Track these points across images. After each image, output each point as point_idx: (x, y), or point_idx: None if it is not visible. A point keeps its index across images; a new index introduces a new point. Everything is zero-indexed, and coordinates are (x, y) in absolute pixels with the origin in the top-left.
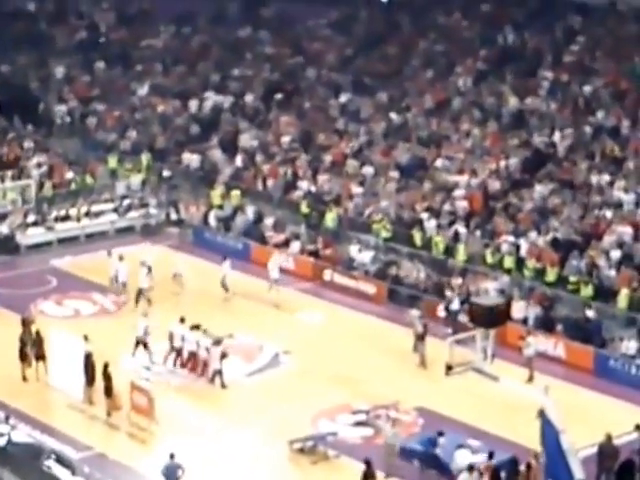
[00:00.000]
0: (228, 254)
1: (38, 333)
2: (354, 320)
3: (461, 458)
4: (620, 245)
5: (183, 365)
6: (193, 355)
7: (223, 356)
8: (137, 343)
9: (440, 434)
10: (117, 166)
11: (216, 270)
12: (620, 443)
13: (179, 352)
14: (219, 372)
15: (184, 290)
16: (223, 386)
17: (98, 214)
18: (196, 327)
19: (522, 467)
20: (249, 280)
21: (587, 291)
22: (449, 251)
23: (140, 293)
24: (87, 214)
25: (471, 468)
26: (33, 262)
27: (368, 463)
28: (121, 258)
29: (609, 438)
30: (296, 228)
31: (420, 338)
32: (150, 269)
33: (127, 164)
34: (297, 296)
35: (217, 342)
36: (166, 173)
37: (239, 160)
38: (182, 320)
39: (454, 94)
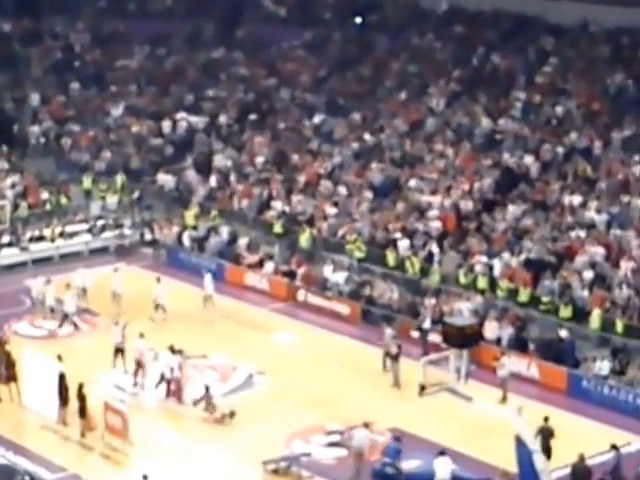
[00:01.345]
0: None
1: (9, 355)
2: (328, 340)
3: (441, 466)
4: (592, 265)
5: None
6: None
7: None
8: (116, 351)
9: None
10: (91, 186)
11: (190, 290)
12: (593, 463)
13: (169, 383)
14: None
15: (166, 316)
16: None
17: (72, 234)
18: (179, 351)
19: None
20: (223, 300)
21: (564, 311)
22: (423, 271)
23: (66, 317)
24: (61, 234)
25: None
26: (7, 282)
27: None
28: (48, 282)
29: (582, 459)
30: (270, 248)
31: (394, 358)
32: (85, 291)
33: (102, 184)
34: (271, 316)
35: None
36: (136, 194)
37: (213, 180)
38: (173, 350)
39: (427, 115)
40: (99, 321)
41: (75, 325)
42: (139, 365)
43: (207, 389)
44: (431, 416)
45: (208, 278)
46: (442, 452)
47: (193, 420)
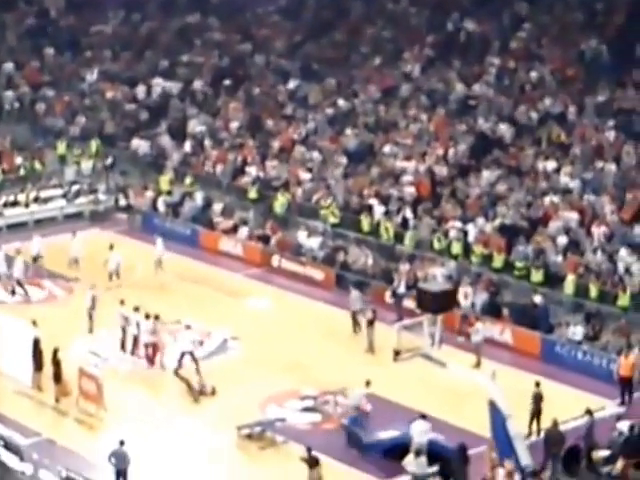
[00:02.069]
0: (169, 237)
1: None
2: (302, 306)
3: (418, 429)
4: (567, 231)
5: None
6: (153, 345)
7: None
8: (90, 317)
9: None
10: (66, 152)
11: (165, 256)
12: (567, 428)
13: (136, 339)
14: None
15: (164, 272)
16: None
17: (47, 200)
18: (156, 317)
19: None
20: (197, 265)
21: (537, 276)
22: (397, 237)
23: (18, 284)
24: (36, 200)
25: (418, 453)
26: None
27: (309, 449)
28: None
29: (555, 424)
30: (244, 214)
31: (369, 323)
32: (35, 259)
33: (76, 150)
34: (245, 282)
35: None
36: (109, 160)
37: (188, 146)
38: (147, 315)
39: (402, 80)
40: (74, 287)
41: (25, 291)
42: (124, 332)
43: (192, 354)
44: (405, 381)
45: (159, 242)
46: (423, 416)
47: (168, 386)
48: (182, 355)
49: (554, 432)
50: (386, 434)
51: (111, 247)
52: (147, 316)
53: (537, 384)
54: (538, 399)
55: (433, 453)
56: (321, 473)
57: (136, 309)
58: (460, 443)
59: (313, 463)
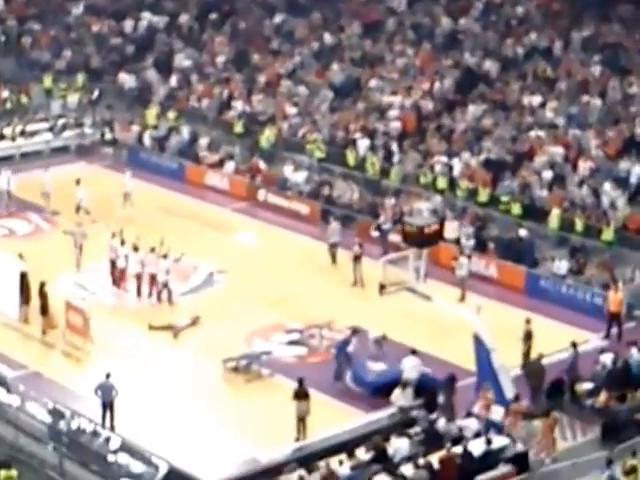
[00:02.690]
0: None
1: None
2: (288, 240)
3: (409, 365)
4: (552, 165)
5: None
6: (138, 275)
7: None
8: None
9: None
10: (52, 85)
11: (151, 190)
12: (551, 362)
13: (123, 272)
14: (166, 285)
15: (133, 207)
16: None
17: (33, 133)
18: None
19: None
20: (183, 199)
21: (515, 209)
22: (383, 171)
23: None
24: (22, 133)
25: (404, 385)
26: None
27: (301, 381)
28: None
29: (539, 357)
30: (230, 148)
31: (356, 259)
32: (9, 194)
33: (62, 84)
34: (231, 216)
35: (164, 256)
36: (95, 94)
37: (174, 80)
38: (136, 247)
39: (388, 15)
40: (59, 220)
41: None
42: (114, 265)
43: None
44: (391, 315)
45: (128, 176)
46: (414, 351)
47: (153, 319)
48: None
49: (534, 364)
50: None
51: (77, 182)
52: (135, 248)
53: (527, 321)
54: (528, 336)
55: (423, 386)
56: (309, 406)
57: (123, 242)
58: (450, 374)
59: (302, 395)
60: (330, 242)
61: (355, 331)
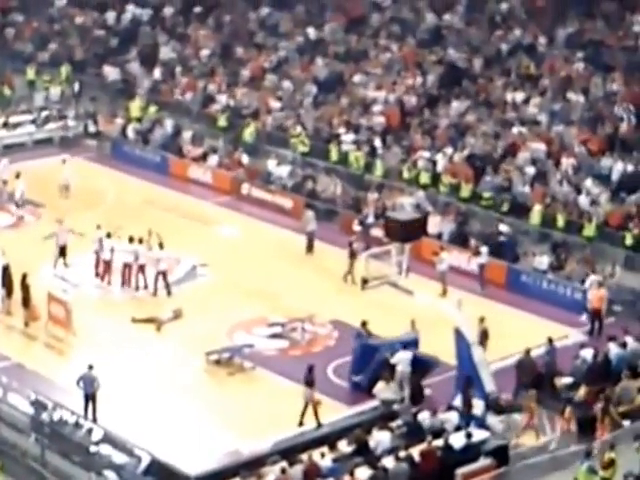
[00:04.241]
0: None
1: None
2: (271, 234)
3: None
4: (534, 162)
5: (101, 275)
6: (128, 266)
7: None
8: (61, 250)
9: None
10: (35, 77)
11: (134, 182)
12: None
13: (108, 264)
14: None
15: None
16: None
17: (16, 125)
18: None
19: None
20: (167, 193)
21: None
22: (366, 166)
23: None
24: (5, 125)
25: (387, 378)
26: None
27: (311, 369)
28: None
29: (527, 353)
30: (214, 142)
31: (352, 255)
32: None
33: (45, 75)
34: (215, 209)
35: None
36: (76, 86)
37: (157, 73)
38: (108, 235)
39: (372, 10)
40: (43, 212)
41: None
42: (98, 257)
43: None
44: (373, 309)
45: (67, 167)
46: (404, 346)
47: (136, 311)
48: (157, 276)
49: (526, 361)
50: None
51: (17, 176)
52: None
53: (481, 320)
54: (485, 335)
55: (420, 366)
56: (313, 394)
57: (109, 235)
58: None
59: (311, 383)
60: (307, 231)
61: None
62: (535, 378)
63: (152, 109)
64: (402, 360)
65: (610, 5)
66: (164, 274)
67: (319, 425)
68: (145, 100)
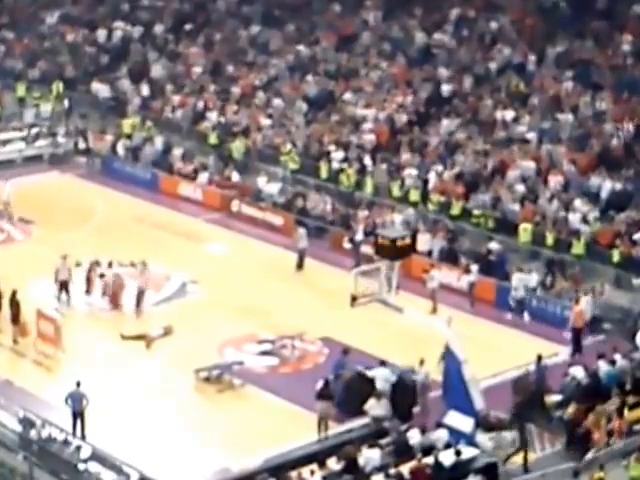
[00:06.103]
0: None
1: None
2: (261, 251)
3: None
4: (524, 180)
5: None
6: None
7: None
8: (61, 285)
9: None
10: (25, 94)
11: (124, 199)
12: (520, 374)
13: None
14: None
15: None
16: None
17: (6, 142)
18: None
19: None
20: (157, 210)
21: (489, 223)
22: (356, 184)
23: None
24: None
25: (379, 396)
26: None
27: (327, 382)
28: None
29: (526, 374)
30: (204, 159)
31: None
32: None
33: (35, 92)
34: (205, 227)
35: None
36: (66, 103)
37: (147, 90)
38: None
39: (363, 28)
40: (33, 229)
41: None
42: (89, 280)
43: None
44: (362, 326)
45: (7, 186)
46: (382, 362)
47: (125, 328)
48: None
49: (524, 380)
50: None
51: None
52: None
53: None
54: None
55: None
56: (331, 408)
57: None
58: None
59: (326, 397)
60: (299, 248)
61: (346, 351)
62: (530, 397)
63: (148, 124)
64: (380, 376)
65: (599, 25)
66: (142, 292)
67: (326, 439)
68: (140, 117)
